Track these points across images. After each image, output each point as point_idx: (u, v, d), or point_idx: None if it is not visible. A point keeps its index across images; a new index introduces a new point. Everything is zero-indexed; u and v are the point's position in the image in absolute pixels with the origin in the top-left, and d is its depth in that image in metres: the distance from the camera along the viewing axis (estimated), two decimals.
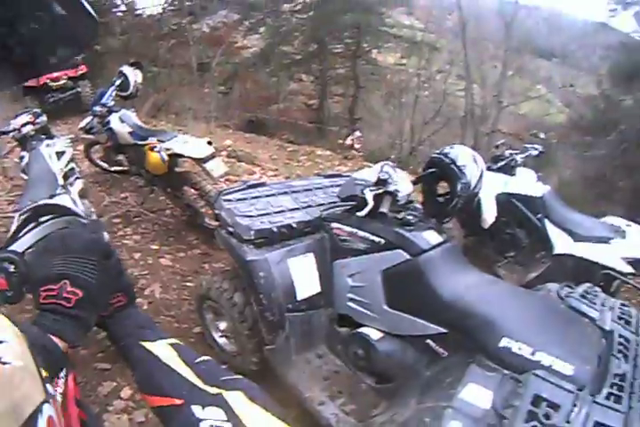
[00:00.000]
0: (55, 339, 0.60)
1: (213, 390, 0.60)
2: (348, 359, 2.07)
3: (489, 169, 3.23)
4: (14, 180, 4.41)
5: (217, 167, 3.35)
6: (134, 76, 3.90)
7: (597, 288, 1.89)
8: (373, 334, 1.95)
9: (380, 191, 1.96)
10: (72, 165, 3.17)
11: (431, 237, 1.97)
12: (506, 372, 1.40)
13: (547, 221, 3.21)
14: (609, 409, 1.24)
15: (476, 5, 13.63)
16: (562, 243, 3.09)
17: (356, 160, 7.90)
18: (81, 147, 4.62)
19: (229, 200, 2.34)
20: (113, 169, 4.55)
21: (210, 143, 3.38)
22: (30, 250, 1.88)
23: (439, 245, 1.96)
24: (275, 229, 2.15)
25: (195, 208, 3.75)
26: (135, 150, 3.69)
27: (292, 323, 2.08)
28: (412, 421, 1.40)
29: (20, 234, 2.00)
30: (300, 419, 1.93)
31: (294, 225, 2.21)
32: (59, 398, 0.54)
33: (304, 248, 2.17)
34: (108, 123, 3.80)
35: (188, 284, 3.23)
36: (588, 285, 1.89)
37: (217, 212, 2.35)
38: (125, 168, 4.24)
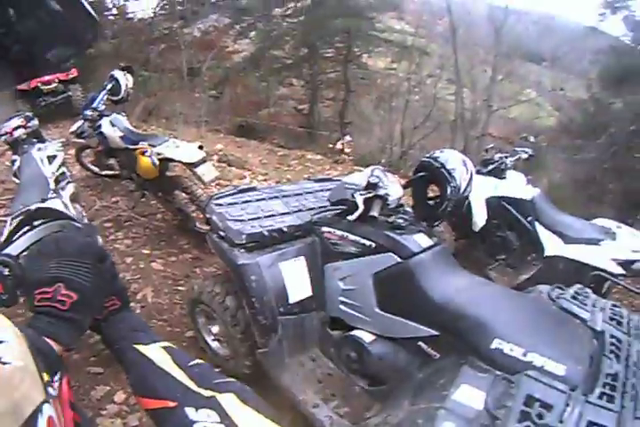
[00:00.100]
0: (50, 341, 0.60)
1: (207, 393, 0.60)
2: (340, 362, 2.08)
3: (479, 172, 3.26)
4: (6, 183, 4.38)
5: (208, 172, 3.36)
6: (125, 80, 3.88)
7: (588, 290, 1.90)
8: (366, 336, 1.96)
9: (371, 195, 1.98)
10: (63, 169, 3.16)
11: (422, 240, 1.98)
12: (498, 373, 1.40)
13: (537, 224, 3.23)
14: (602, 409, 1.25)
15: (466, 10, 13.74)
16: (552, 245, 3.12)
17: (346, 164, 7.93)
18: (72, 151, 4.62)
19: (220, 204, 2.34)
20: (104, 173, 4.53)
21: (201, 148, 3.38)
22: (25, 253, 1.88)
23: (430, 248, 1.97)
24: (266, 233, 2.15)
25: (186, 212, 3.74)
26: (126, 154, 3.67)
27: (284, 326, 2.08)
28: (405, 422, 1.40)
29: (15, 237, 2.00)
30: (294, 422, 1.94)
31: (285, 229, 2.21)
32: None
33: (295, 252, 2.17)
34: (99, 127, 3.77)
35: (180, 288, 3.22)
36: (578, 286, 1.90)
37: (208, 216, 2.34)
38: (116, 172, 4.21)
